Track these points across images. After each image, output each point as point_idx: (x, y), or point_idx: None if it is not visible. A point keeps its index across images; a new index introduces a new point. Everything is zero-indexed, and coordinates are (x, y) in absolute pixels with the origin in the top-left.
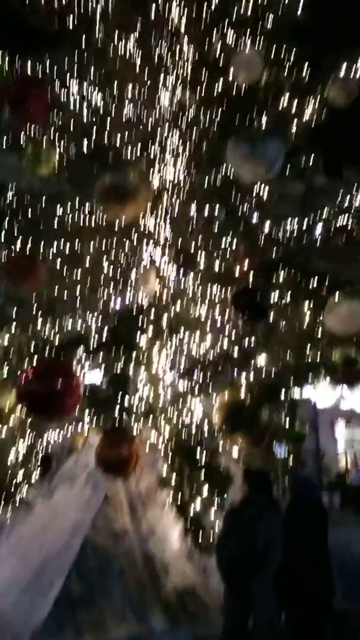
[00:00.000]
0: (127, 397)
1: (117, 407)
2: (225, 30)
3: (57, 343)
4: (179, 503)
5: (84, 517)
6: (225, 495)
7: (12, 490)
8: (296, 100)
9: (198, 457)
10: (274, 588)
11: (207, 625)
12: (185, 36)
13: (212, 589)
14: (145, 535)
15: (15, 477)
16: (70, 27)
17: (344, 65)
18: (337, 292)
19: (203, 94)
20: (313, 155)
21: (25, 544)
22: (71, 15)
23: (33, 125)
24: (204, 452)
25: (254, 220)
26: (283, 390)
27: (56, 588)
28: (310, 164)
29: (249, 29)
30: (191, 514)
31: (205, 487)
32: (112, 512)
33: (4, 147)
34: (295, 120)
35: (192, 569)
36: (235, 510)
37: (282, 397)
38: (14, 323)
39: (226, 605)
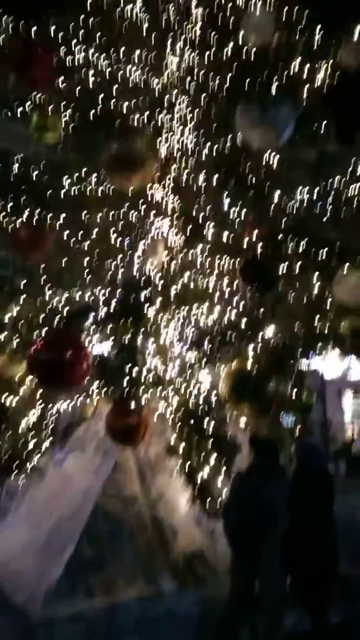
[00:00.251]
0: (135, 367)
1: (126, 377)
2: None
3: (65, 314)
4: (187, 470)
5: (95, 483)
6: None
7: (24, 457)
8: (308, 64)
9: (206, 426)
10: (280, 553)
11: (214, 588)
12: None
13: (220, 552)
14: (154, 500)
15: (27, 445)
16: None
17: (358, 28)
18: (347, 263)
19: (212, 58)
20: (325, 121)
21: (37, 509)
22: None
23: (38, 93)
24: (212, 421)
25: (264, 189)
26: (291, 361)
27: (68, 551)
28: (322, 130)
29: None
30: (199, 481)
31: (213, 455)
32: (121, 478)
33: (9, 115)
34: (307, 84)
35: (200, 533)
36: (242, 476)
37: (290, 368)
38: (23, 294)
39: (233, 568)
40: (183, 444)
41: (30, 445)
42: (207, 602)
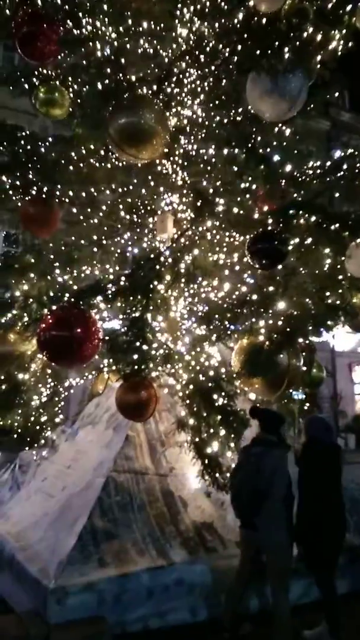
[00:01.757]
0: (145, 343)
1: (136, 353)
2: None
3: (75, 290)
4: (196, 444)
5: (106, 456)
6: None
7: (37, 432)
8: (321, 31)
9: (215, 400)
10: (289, 523)
11: (224, 558)
12: None
13: (229, 523)
14: (164, 473)
15: (40, 420)
16: None
17: None
18: None
19: (222, 27)
20: (338, 89)
21: (50, 482)
22: None
23: (45, 67)
24: (221, 396)
25: (275, 160)
26: (302, 336)
27: (80, 523)
28: (335, 98)
29: None
30: (209, 454)
31: (222, 430)
32: (132, 451)
33: (17, 90)
34: (320, 52)
35: (209, 504)
36: (245, 447)
37: (301, 341)
38: (32, 272)
39: (240, 537)
40: (192, 419)
41: (43, 420)
42: (216, 572)
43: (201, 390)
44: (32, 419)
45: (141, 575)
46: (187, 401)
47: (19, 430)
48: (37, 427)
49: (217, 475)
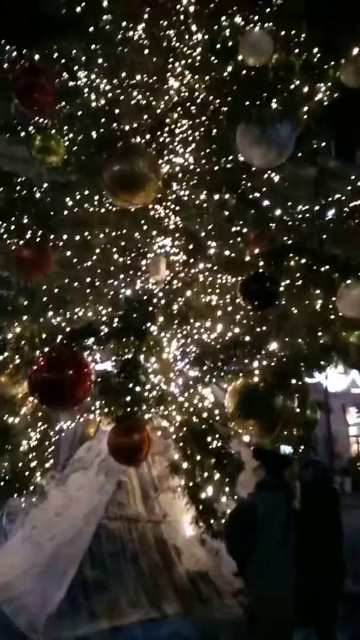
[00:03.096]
0: (138, 385)
1: (129, 395)
2: (233, 11)
3: (68, 332)
4: (190, 489)
5: (98, 503)
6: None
7: (26, 477)
8: (307, 84)
9: (209, 443)
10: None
11: (220, 609)
12: (194, 20)
13: (224, 572)
14: (157, 520)
15: (29, 466)
16: (78, 15)
17: (355, 49)
18: (349, 278)
19: (212, 78)
20: (325, 138)
21: (39, 530)
22: (78, 4)
23: (41, 115)
24: (216, 437)
25: (265, 205)
26: (295, 376)
27: (70, 573)
28: (322, 146)
29: (257, 10)
30: (203, 500)
31: (217, 474)
32: (125, 498)
33: (13, 138)
34: (306, 103)
35: (204, 553)
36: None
37: (295, 383)
38: (25, 314)
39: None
40: (186, 463)
41: (32, 465)
42: (212, 624)
43: (195, 433)
44: (21, 464)
45: (134, 628)
46: (181, 444)
47: (7, 477)
48: (26, 473)
49: (212, 521)
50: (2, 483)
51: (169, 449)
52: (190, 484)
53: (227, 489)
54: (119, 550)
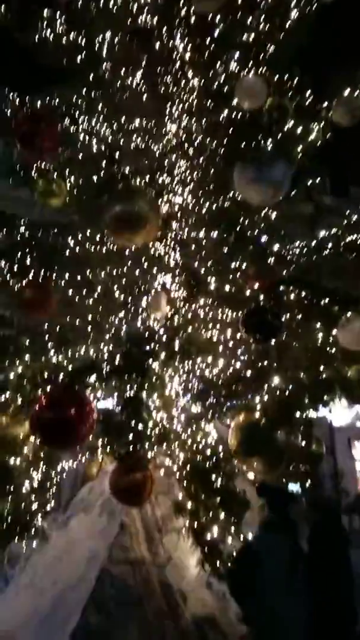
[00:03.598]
0: (141, 421)
1: (131, 432)
2: (228, 58)
3: (69, 370)
4: (195, 529)
5: (100, 546)
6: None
7: (28, 520)
8: (300, 125)
9: (214, 481)
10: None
11: None
12: (190, 66)
13: (232, 617)
14: (162, 563)
15: (30, 508)
16: (78, 64)
17: (346, 91)
18: (349, 311)
19: (209, 122)
20: (320, 175)
21: (40, 576)
22: (79, 53)
23: (43, 160)
24: (220, 475)
25: (263, 241)
26: (299, 411)
27: (73, 620)
28: (317, 184)
29: (251, 56)
30: (208, 541)
31: (222, 513)
32: (128, 540)
33: (16, 181)
34: (300, 143)
35: (210, 597)
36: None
37: (298, 417)
38: (27, 353)
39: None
40: (190, 502)
41: (34, 508)
42: None
43: (199, 471)
44: (22, 506)
45: None
46: (185, 483)
47: (9, 520)
48: (28, 516)
49: (218, 563)
50: (3, 526)
51: (173, 488)
52: (195, 524)
53: (233, 529)
54: (123, 595)
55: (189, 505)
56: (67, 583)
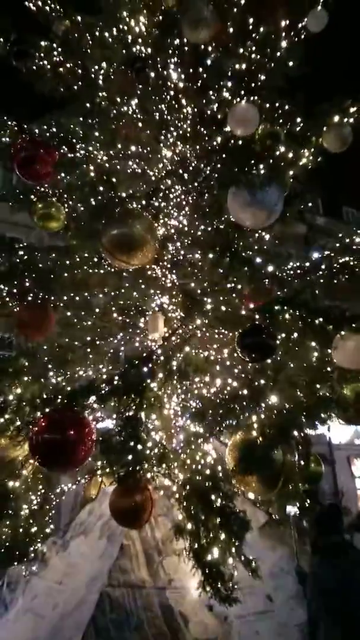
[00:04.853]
0: (140, 442)
1: (131, 452)
2: (221, 86)
3: (68, 391)
4: (195, 551)
5: (100, 569)
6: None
7: (27, 543)
8: (292, 150)
9: (213, 501)
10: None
11: None
12: (183, 94)
13: (234, 639)
14: (163, 585)
15: (29, 531)
16: (75, 92)
17: (336, 117)
18: (345, 328)
19: (203, 147)
20: (312, 197)
21: (40, 600)
22: (75, 82)
23: (41, 185)
24: (220, 495)
25: (258, 262)
26: (296, 429)
27: None
28: (310, 205)
29: (243, 85)
30: (209, 562)
31: (222, 533)
32: (128, 563)
33: (15, 205)
34: (292, 167)
35: (212, 619)
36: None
37: (295, 435)
38: (26, 375)
39: None
40: (190, 523)
41: (33, 531)
42: None
43: (198, 491)
44: (21, 530)
45: None
46: (184, 503)
47: (7, 543)
48: (26, 539)
49: (219, 586)
50: (2, 550)
51: (172, 509)
52: (195, 545)
53: (233, 550)
54: (124, 619)
55: (189, 526)
56: (67, 608)
